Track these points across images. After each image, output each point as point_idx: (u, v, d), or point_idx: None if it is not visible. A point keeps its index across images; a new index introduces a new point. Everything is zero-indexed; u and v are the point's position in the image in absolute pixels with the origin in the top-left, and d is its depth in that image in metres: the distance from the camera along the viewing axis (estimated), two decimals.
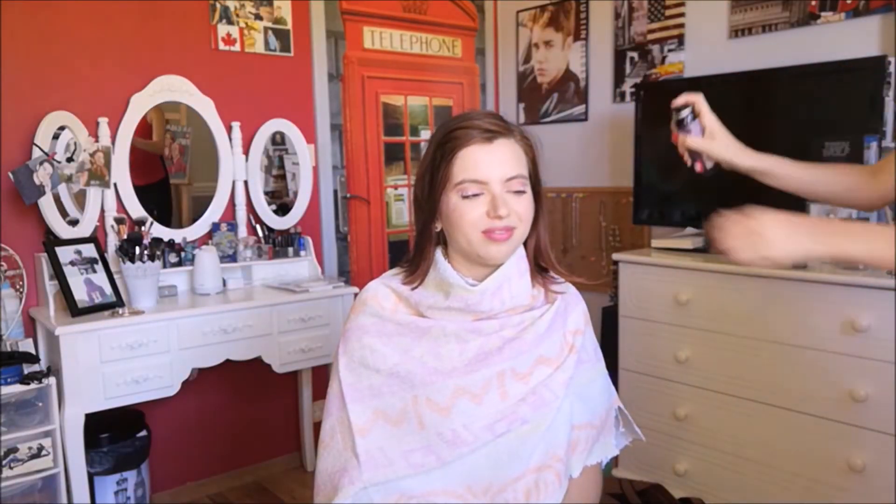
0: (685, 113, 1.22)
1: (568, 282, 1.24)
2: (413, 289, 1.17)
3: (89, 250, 2.31)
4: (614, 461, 2.45)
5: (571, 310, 1.20)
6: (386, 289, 1.20)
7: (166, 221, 2.64)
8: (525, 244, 1.17)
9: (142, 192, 2.56)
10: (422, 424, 1.09)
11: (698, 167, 1.27)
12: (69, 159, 2.35)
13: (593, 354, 1.21)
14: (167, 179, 2.78)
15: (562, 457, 1.11)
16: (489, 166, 1.08)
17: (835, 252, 0.98)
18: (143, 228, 2.36)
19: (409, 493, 1.08)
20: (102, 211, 2.43)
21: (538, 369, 1.12)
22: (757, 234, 0.97)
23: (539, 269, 1.20)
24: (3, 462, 1.97)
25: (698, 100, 1.22)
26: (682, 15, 2.81)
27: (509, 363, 1.11)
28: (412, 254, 1.20)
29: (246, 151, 2.77)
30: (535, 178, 1.15)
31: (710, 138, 1.23)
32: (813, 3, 2.42)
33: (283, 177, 2.96)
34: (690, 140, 1.23)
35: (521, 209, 1.10)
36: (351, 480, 1.09)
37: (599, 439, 1.18)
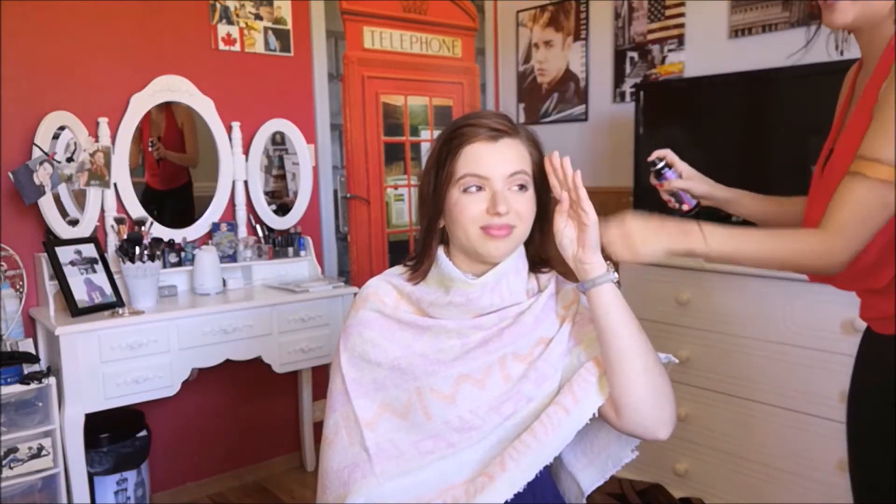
0: (661, 164, 1.37)
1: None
2: (414, 285, 1.17)
3: (89, 250, 2.31)
4: None
5: (559, 290, 1.20)
6: (387, 285, 1.20)
7: (187, 224, 2.65)
8: (527, 245, 1.17)
9: (161, 196, 2.58)
10: (428, 415, 1.09)
11: (685, 206, 1.41)
12: (69, 159, 2.35)
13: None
14: (190, 183, 2.80)
15: (556, 399, 1.07)
16: (492, 163, 1.09)
17: (691, 250, 1.09)
18: (143, 228, 2.36)
19: (426, 489, 1.07)
20: (102, 211, 2.43)
21: (538, 349, 1.12)
22: (628, 236, 1.07)
23: (534, 265, 1.20)
24: (3, 462, 1.97)
25: (668, 152, 1.39)
26: (682, 15, 2.81)
27: (510, 347, 1.11)
28: (417, 250, 1.19)
29: (246, 151, 2.77)
30: (541, 181, 1.15)
31: (688, 179, 1.39)
32: (813, 3, 2.42)
33: (283, 177, 2.96)
34: (675, 183, 1.38)
35: (521, 207, 1.10)
36: (364, 474, 1.08)
37: None
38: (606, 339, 1.04)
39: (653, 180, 1.41)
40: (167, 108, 2.64)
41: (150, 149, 2.62)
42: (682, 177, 1.37)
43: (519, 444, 1.05)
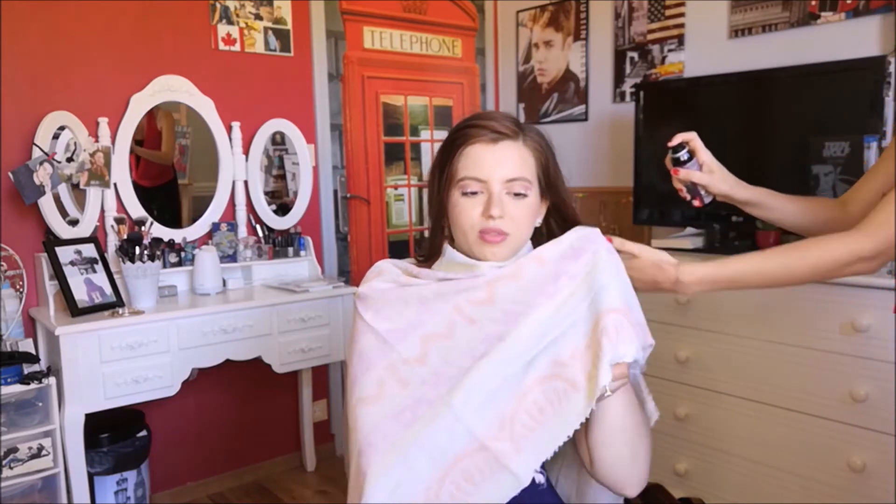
0: (682, 151, 1.22)
1: None
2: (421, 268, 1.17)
3: (89, 250, 2.31)
4: None
5: (583, 252, 1.05)
6: (395, 267, 1.19)
7: (174, 223, 2.65)
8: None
9: (149, 193, 2.57)
10: (404, 383, 1.03)
11: (696, 202, 1.27)
12: (69, 159, 2.35)
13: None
14: (175, 181, 2.79)
15: (567, 361, 1.00)
16: (490, 166, 1.08)
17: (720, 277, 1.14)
18: (143, 228, 2.36)
19: (426, 470, 0.98)
20: (102, 211, 2.43)
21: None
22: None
23: None
24: (3, 462, 1.97)
25: (693, 137, 1.22)
26: (682, 15, 2.81)
27: (463, 296, 1.06)
28: (425, 248, 1.20)
29: (246, 151, 2.77)
30: (548, 184, 1.14)
31: (708, 172, 1.23)
32: (813, 3, 2.42)
33: (283, 177, 2.96)
34: (693, 175, 1.22)
35: (517, 213, 1.09)
36: (437, 411, 1.00)
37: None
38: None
39: (668, 164, 1.26)
40: (148, 112, 2.59)
41: None
42: (703, 169, 1.22)
43: (528, 421, 0.98)
